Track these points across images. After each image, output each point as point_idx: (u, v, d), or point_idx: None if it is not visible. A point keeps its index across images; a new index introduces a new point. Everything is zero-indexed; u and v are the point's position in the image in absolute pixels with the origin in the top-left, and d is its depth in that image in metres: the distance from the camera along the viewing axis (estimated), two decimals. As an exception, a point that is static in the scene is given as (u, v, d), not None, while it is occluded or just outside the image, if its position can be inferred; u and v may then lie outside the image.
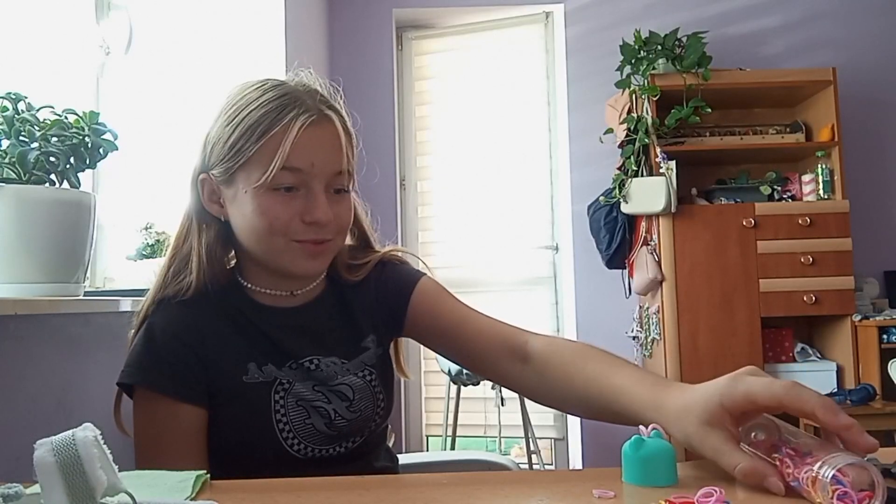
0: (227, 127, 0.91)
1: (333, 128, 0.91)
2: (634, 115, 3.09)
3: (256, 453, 0.91)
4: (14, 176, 1.11)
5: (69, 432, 0.59)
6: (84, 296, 1.25)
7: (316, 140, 0.89)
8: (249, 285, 0.98)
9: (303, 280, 0.98)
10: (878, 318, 2.96)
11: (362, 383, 0.97)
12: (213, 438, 0.92)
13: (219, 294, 0.95)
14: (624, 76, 3.16)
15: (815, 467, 0.60)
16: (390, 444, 2.37)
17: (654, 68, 3.09)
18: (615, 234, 3.19)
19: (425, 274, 1.07)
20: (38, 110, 1.17)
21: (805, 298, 2.98)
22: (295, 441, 0.92)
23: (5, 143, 1.13)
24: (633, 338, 3.31)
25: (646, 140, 3.05)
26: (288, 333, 0.96)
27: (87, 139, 1.18)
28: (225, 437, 0.91)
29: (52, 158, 1.14)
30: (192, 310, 0.93)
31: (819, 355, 3.18)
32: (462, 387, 2.80)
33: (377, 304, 1.04)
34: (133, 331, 0.96)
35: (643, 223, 3.12)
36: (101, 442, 0.60)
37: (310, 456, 0.93)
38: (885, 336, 2.88)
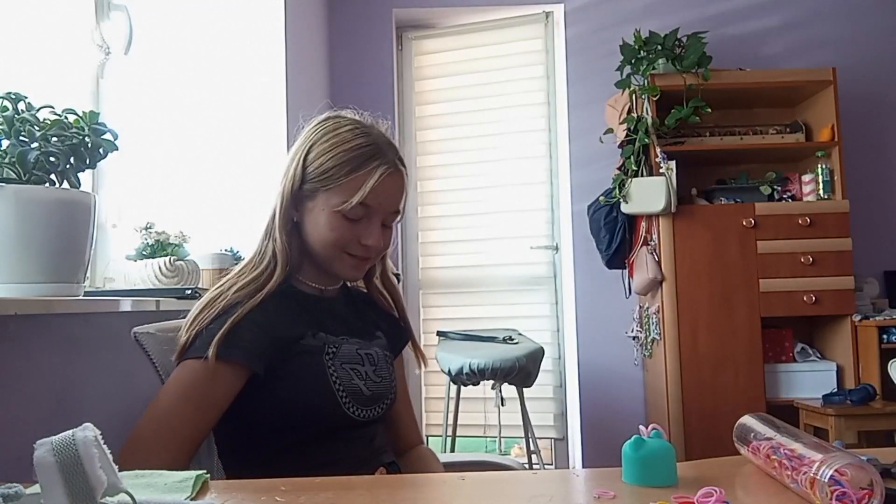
0: (323, 156, 1.14)
1: (401, 180, 1.18)
2: (634, 115, 3.09)
3: (318, 415, 1.09)
4: (14, 176, 1.11)
5: (69, 432, 0.59)
6: (84, 296, 1.25)
7: (388, 188, 1.15)
8: (299, 277, 1.21)
9: (336, 280, 1.24)
10: (878, 318, 2.95)
11: (382, 353, 1.23)
12: (277, 407, 1.07)
13: (280, 282, 1.15)
14: (624, 76, 3.16)
15: (814, 468, 0.60)
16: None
17: (654, 68, 3.09)
18: (615, 234, 3.19)
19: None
20: (38, 110, 1.17)
21: (805, 298, 2.98)
22: (348, 401, 1.11)
23: (5, 143, 1.12)
24: (633, 338, 3.30)
25: (646, 140, 3.05)
26: (326, 314, 1.20)
27: (87, 139, 1.18)
28: (290, 402, 1.07)
29: (52, 158, 1.13)
30: (264, 294, 1.12)
31: (819, 355, 3.18)
32: (462, 387, 2.78)
33: (385, 318, 1.31)
34: (202, 308, 1.09)
35: (643, 223, 3.12)
36: (101, 442, 0.60)
37: (361, 419, 1.12)
38: (885, 336, 2.88)
